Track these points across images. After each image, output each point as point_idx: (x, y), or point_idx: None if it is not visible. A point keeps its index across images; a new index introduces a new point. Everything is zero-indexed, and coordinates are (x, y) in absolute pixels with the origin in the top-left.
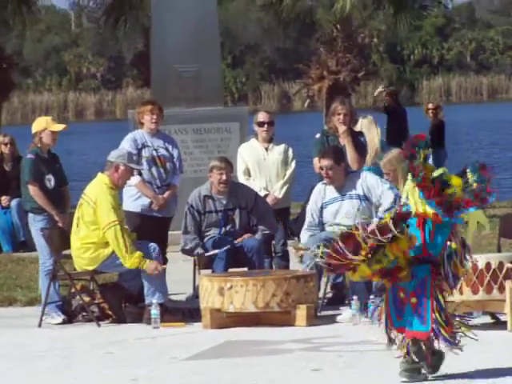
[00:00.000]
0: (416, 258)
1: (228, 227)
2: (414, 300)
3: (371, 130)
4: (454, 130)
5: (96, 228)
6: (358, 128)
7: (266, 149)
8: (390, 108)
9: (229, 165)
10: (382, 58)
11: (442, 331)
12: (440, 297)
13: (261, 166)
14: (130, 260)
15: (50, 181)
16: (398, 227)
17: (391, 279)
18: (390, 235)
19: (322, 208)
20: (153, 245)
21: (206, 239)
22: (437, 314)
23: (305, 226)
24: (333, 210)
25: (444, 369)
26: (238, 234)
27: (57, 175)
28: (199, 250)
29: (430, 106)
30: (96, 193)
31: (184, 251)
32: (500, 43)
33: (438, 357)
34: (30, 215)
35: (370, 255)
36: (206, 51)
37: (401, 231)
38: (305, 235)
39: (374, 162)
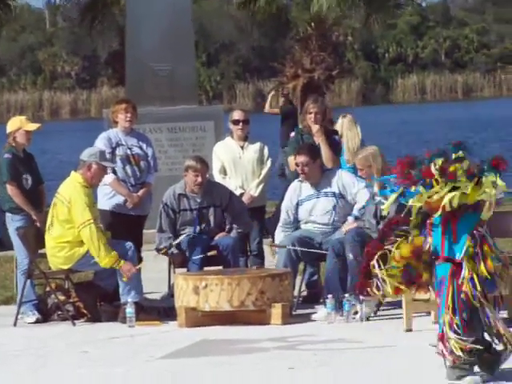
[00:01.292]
0: (436, 258)
1: (203, 226)
2: (438, 300)
3: (352, 130)
4: (424, 128)
5: (71, 227)
6: (337, 127)
7: (242, 147)
8: (286, 109)
9: (204, 165)
10: (357, 56)
11: (451, 338)
12: (462, 297)
13: (236, 164)
14: (105, 259)
15: (27, 180)
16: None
17: (418, 287)
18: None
19: (297, 205)
20: (128, 243)
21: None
22: (447, 317)
23: (279, 224)
24: (308, 207)
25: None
26: (213, 232)
27: (33, 174)
28: (174, 250)
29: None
30: (70, 192)
31: (158, 250)
32: (475, 41)
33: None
34: (8, 215)
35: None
36: (180, 50)
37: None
38: (279, 234)
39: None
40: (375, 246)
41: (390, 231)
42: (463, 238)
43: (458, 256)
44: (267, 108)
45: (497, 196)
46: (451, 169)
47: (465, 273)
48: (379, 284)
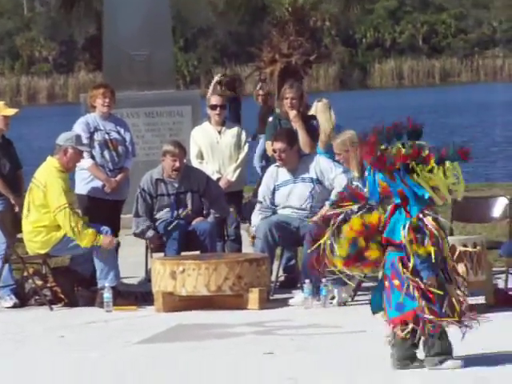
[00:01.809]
0: (384, 240)
1: (180, 211)
2: (397, 282)
3: (325, 113)
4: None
5: (47, 211)
6: (312, 111)
7: (219, 132)
8: (231, 96)
9: (182, 150)
10: (334, 41)
11: (427, 312)
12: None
13: (214, 149)
14: (85, 239)
15: (5, 165)
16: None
17: (366, 264)
18: (338, 218)
19: (274, 190)
20: (105, 228)
21: (157, 222)
22: (423, 302)
23: (256, 208)
24: (285, 192)
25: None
26: (190, 217)
27: (11, 160)
28: (150, 233)
29: (261, 92)
30: (46, 176)
31: (136, 234)
32: (452, 26)
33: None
34: None
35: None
36: (157, 35)
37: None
38: (256, 217)
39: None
40: (328, 218)
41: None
42: (407, 221)
43: (399, 238)
44: (209, 95)
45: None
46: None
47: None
48: (327, 254)
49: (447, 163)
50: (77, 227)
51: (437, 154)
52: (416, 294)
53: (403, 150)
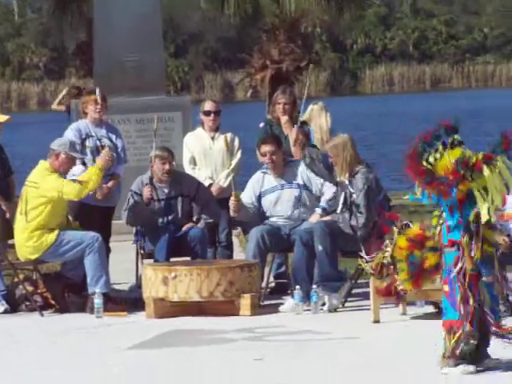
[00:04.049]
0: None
1: (170, 216)
2: (446, 288)
3: (321, 117)
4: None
5: (39, 215)
6: (306, 115)
7: (212, 138)
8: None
9: (170, 154)
10: (325, 47)
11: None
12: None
13: (206, 155)
14: (93, 178)
15: None
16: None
17: (432, 274)
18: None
19: (259, 197)
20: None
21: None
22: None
23: None
24: (272, 199)
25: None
26: (181, 222)
27: (2, 165)
28: (136, 199)
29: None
30: (38, 176)
31: (127, 218)
32: (443, 32)
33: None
34: None
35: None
36: (148, 40)
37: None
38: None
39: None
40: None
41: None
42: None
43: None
44: (55, 105)
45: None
46: (473, 160)
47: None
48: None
49: (498, 159)
50: (81, 185)
51: (482, 155)
52: (461, 303)
53: (449, 162)
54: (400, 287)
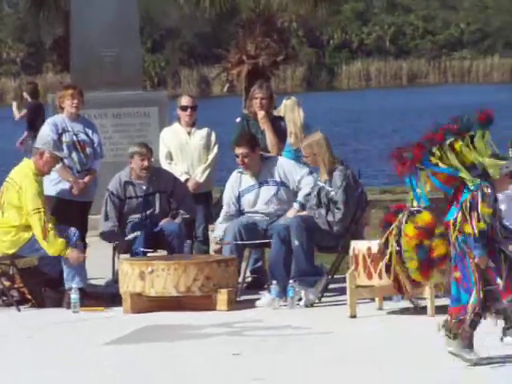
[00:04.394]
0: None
1: (148, 212)
2: (457, 274)
3: (294, 112)
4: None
5: (18, 211)
6: (281, 110)
7: (189, 133)
8: (30, 106)
9: (149, 150)
10: (302, 42)
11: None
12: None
13: (183, 150)
14: (54, 247)
15: None
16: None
17: (440, 263)
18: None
19: (239, 197)
20: (73, 230)
21: (127, 223)
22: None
23: (220, 217)
24: (250, 198)
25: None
26: (158, 218)
27: None
28: (117, 237)
29: None
30: (21, 178)
31: (103, 236)
32: (420, 28)
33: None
34: None
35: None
36: (125, 36)
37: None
38: (220, 226)
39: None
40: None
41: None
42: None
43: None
44: (17, 116)
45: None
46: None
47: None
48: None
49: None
50: (49, 233)
51: (447, 131)
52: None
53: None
54: (410, 278)
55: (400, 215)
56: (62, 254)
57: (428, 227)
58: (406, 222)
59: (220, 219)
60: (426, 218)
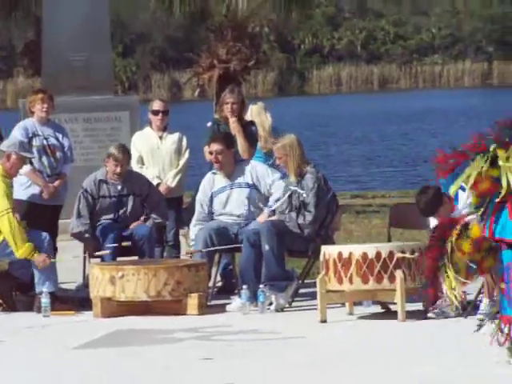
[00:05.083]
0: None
1: (120, 213)
2: (502, 285)
3: (261, 116)
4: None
5: None
6: (248, 114)
7: (160, 137)
8: None
9: (126, 155)
10: (273, 47)
11: None
12: None
13: (154, 154)
14: (22, 249)
15: None
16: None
17: (481, 273)
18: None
19: (211, 198)
20: (44, 234)
21: (97, 224)
22: None
23: (194, 219)
24: (222, 199)
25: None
26: (128, 221)
27: None
28: (87, 235)
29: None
30: None
31: (73, 234)
32: (391, 33)
33: None
34: None
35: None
36: (96, 40)
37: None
38: (194, 229)
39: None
40: (436, 250)
41: (449, 230)
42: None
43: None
44: None
45: None
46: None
47: None
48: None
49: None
50: (17, 235)
51: (490, 141)
52: None
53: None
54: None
55: (454, 230)
56: (29, 257)
57: (479, 241)
58: (462, 238)
59: (193, 222)
60: (476, 231)
